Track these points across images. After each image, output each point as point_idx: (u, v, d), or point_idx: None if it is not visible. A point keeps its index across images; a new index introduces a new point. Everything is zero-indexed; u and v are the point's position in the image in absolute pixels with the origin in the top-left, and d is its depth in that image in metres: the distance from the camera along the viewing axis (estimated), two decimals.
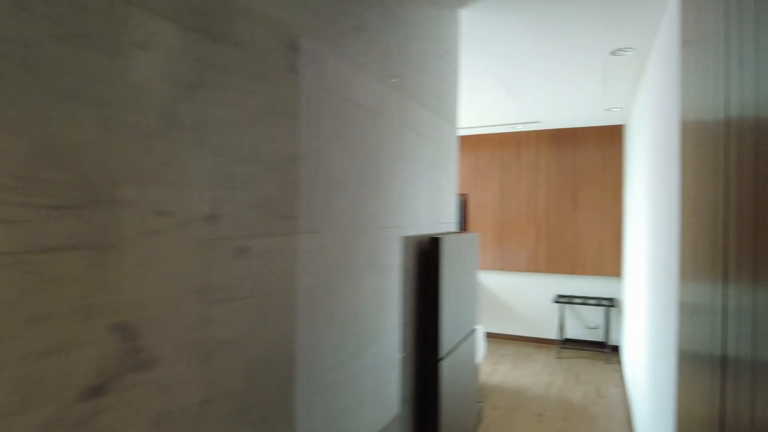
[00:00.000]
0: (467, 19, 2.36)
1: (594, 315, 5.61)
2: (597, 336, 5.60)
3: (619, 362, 5.17)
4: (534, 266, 5.85)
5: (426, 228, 1.74)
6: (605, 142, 5.49)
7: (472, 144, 6.18)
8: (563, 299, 5.42)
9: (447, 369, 1.65)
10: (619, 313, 5.45)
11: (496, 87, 3.52)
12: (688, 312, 1.08)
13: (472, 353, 2.05)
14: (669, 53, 2.04)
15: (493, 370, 4.91)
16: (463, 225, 6.19)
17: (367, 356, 1.36)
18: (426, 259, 1.66)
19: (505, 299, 6.08)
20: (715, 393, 0.78)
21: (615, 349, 5.45)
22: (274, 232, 1.05)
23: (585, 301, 5.31)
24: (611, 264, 5.46)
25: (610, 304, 5.17)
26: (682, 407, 1.15)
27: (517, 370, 4.89)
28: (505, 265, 6.00)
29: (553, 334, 5.78)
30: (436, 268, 1.58)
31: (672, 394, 1.55)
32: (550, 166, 5.78)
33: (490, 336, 6.13)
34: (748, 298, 0.62)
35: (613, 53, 2.74)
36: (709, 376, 0.81)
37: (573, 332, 5.71)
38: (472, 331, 2.05)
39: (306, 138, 1.13)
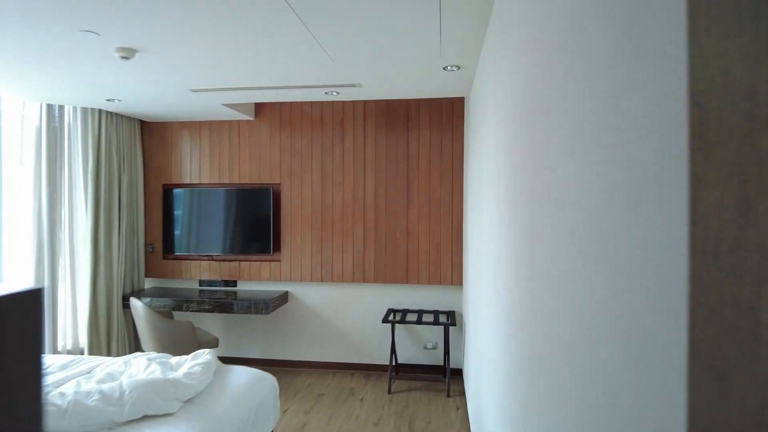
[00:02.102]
0: None
1: (431, 332, 4.60)
2: (435, 358, 4.60)
3: (462, 392, 4.19)
4: (361, 275, 4.64)
5: None
6: (443, 121, 4.50)
7: (285, 119, 4.75)
8: (396, 315, 4.29)
9: None
10: (461, 329, 4.51)
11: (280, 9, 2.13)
12: None
13: None
14: None
15: (303, 425, 3.54)
16: (275, 226, 4.72)
17: None
18: None
19: (326, 317, 4.77)
20: None
21: (456, 372, 4.50)
22: None
23: (421, 316, 4.26)
24: (451, 271, 4.50)
25: (449, 320, 4.18)
26: None
27: (334, 421, 3.59)
28: (326, 274, 4.69)
29: (384, 358, 4.64)
30: None
31: None
32: (378, 151, 4.62)
33: (309, 366, 4.78)
34: None
35: None
36: None
37: (407, 354, 4.63)
38: None
39: None
